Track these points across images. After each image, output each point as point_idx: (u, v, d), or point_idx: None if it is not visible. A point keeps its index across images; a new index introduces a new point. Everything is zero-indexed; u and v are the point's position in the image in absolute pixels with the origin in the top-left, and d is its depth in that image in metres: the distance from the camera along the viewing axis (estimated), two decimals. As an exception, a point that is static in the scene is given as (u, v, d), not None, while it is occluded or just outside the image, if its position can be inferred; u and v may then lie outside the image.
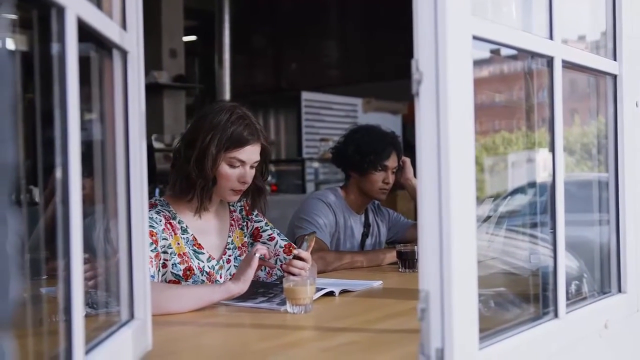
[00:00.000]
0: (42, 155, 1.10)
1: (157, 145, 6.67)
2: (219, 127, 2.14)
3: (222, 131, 2.14)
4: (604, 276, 1.85)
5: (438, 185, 1.18)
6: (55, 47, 0.97)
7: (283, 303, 1.91)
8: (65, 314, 1.00)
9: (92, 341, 1.14)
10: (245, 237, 2.38)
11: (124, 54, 1.32)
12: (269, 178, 6.99)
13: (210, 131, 2.14)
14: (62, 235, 0.98)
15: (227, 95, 8.57)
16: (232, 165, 2.17)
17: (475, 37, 1.25)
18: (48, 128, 1.03)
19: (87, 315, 1.08)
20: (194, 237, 2.22)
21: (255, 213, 2.42)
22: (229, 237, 2.33)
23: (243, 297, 2.00)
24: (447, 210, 1.17)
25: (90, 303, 1.35)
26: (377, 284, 2.36)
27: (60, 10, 0.96)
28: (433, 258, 1.18)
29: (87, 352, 1.07)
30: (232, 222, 2.36)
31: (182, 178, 2.18)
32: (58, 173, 0.98)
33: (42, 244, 1.15)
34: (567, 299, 1.57)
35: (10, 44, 0.68)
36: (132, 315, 1.36)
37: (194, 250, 2.20)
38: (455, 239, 1.18)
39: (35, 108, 1.06)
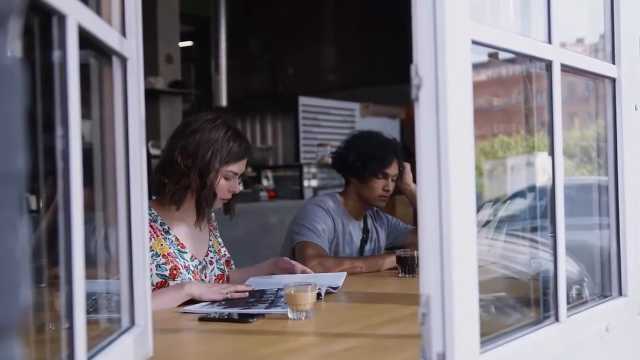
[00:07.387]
0: (42, 162, 1.09)
1: (153, 151, 6.64)
2: (217, 142, 2.25)
3: (221, 147, 2.25)
4: (604, 280, 1.85)
5: (438, 189, 1.18)
6: (56, 54, 0.97)
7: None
8: (67, 321, 0.99)
9: (94, 348, 1.14)
10: (219, 245, 2.49)
11: (123, 60, 1.32)
12: (267, 183, 6.98)
13: (210, 146, 2.24)
14: (64, 242, 0.97)
15: (224, 101, 8.55)
16: (226, 178, 2.29)
17: (474, 42, 1.25)
18: (47, 134, 1.03)
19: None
20: (176, 237, 2.30)
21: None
22: (210, 241, 2.44)
23: (243, 306, 1.99)
24: (447, 214, 1.17)
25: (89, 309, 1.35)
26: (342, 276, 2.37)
27: (62, 18, 0.96)
28: (434, 262, 1.18)
29: (89, 359, 1.07)
30: (211, 228, 2.47)
31: (181, 188, 2.25)
32: (59, 180, 0.98)
33: (43, 251, 1.14)
34: (568, 303, 1.57)
35: (21, 53, 0.68)
36: (132, 322, 1.36)
37: (179, 250, 2.28)
38: (456, 243, 1.18)
39: (34, 114, 1.05)
